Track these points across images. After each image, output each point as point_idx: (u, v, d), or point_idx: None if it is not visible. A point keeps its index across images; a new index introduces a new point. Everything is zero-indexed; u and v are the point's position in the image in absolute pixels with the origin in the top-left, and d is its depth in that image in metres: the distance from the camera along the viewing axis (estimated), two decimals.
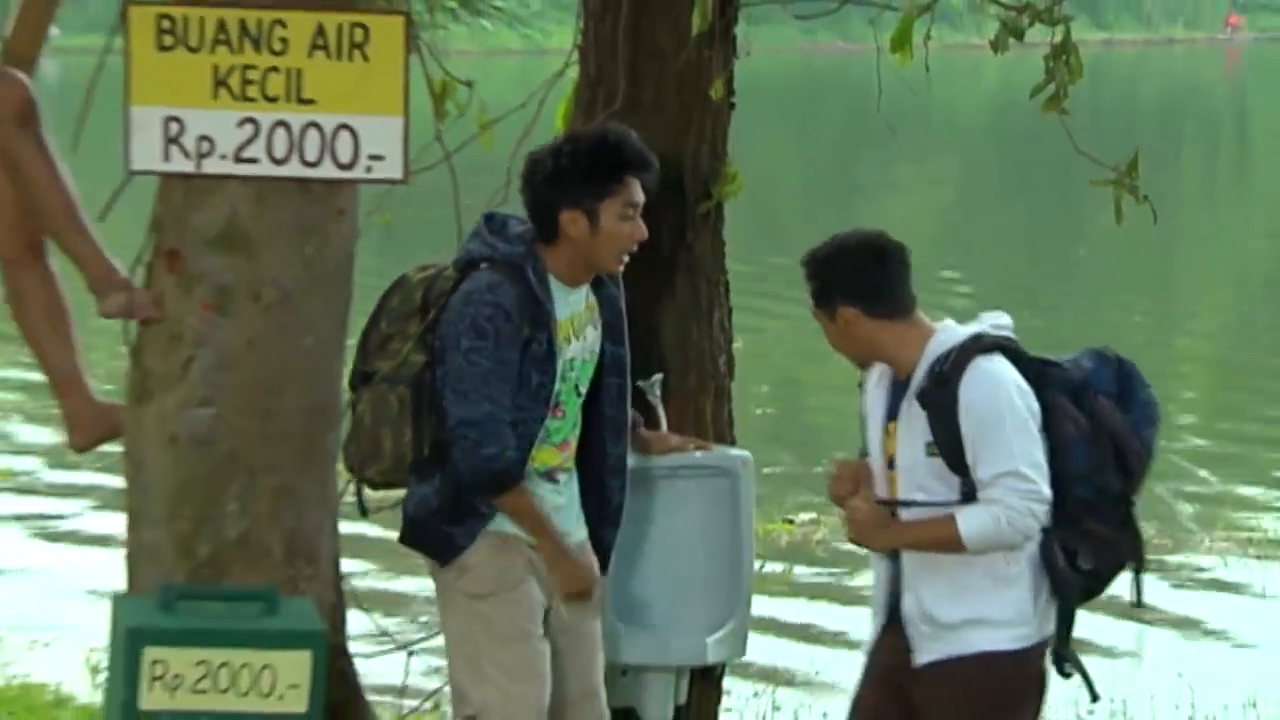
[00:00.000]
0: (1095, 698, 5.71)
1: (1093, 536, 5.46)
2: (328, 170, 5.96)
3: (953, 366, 5.41)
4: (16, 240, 6.24)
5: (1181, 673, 10.05)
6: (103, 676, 6.84)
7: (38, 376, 6.57)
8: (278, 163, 5.94)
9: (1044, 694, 5.64)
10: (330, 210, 6.09)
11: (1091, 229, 24.58)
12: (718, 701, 7.22)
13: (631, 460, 6.06)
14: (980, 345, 5.44)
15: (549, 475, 5.81)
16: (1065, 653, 5.52)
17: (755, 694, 9.68)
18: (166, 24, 5.87)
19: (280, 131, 5.93)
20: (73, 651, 9.46)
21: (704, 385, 6.94)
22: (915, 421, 5.49)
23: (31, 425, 15.27)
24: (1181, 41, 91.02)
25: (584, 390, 5.83)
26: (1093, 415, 5.46)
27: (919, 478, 5.52)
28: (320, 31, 5.91)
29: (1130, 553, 5.56)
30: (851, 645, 10.50)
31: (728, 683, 7.41)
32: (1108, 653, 10.38)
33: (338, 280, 6.09)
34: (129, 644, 5.55)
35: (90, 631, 8.37)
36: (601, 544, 5.95)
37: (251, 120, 5.92)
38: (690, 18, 6.38)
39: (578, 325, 5.79)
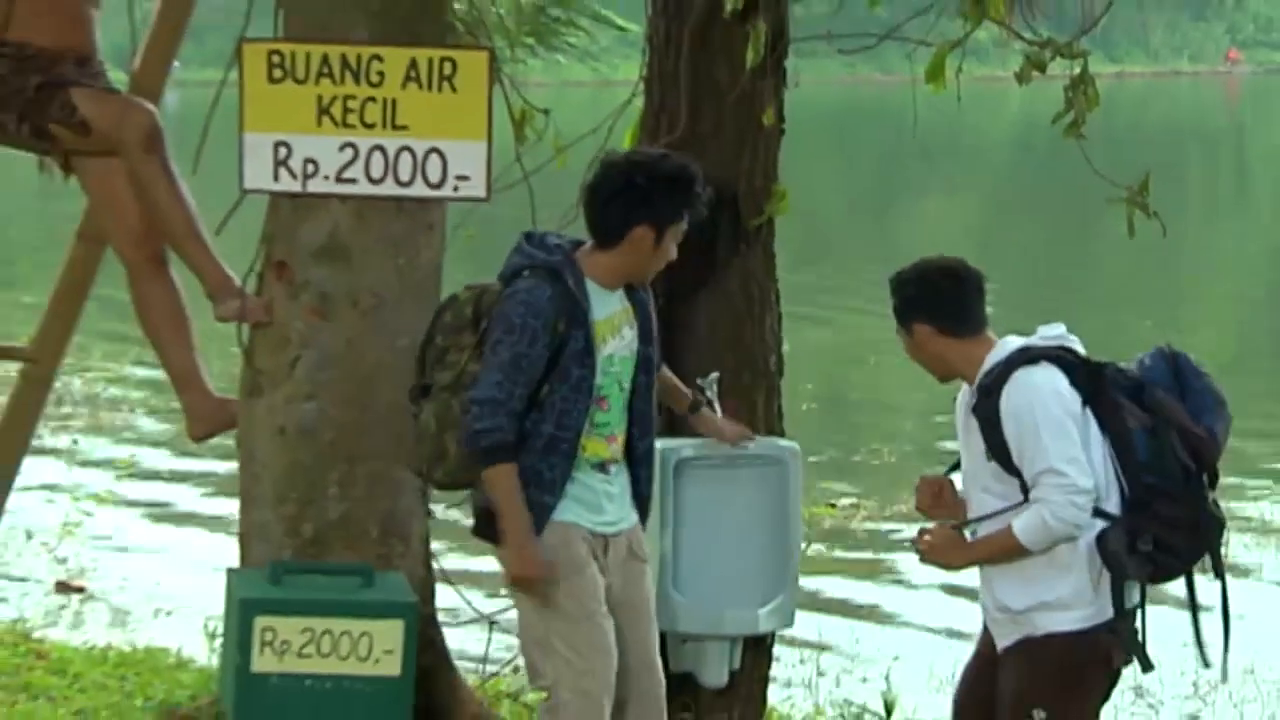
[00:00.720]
0: (1148, 668, 5.60)
1: (1162, 520, 5.37)
2: (419, 189, 5.97)
3: (996, 379, 5.40)
4: (142, 252, 6.27)
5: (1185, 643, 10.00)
6: (219, 642, 6.86)
7: (160, 374, 6.59)
8: (374, 183, 5.95)
9: (1115, 674, 5.59)
10: (421, 225, 6.10)
11: (1106, 241, 24.45)
12: (768, 667, 7.21)
13: (692, 450, 6.04)
14: (1025, 357, 5.41)
15: (601, 467, 5.77)
16: (1119, 628, 5.44)
17: (801, 661, 9.67)
18: (276, 59, 5.88)
19: (377, 155, 5.94)
20: (192, 620, 9.46)
21: (756, 383, 6.92)
22: (973, 431, 5.49)
23: (154, 418, 15.31)
24: (1186, 74, 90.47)
25: (626, 385, 5.77)
26: (1152, 409, 5.40)
27: (983, 480, 5.51)
28: (413, 65, 5.92)
29: (1206, 533, 5.49)
30: (886, 619, 10.49)
31: (776, 650, 7.40)
32: None
33: (427, 288, 6.09)
34: (242, 613, 5.57)
35: (208, 602, 8.37)
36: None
37: (351, 145, 5.93)
38: (745, 53, 6.39)
39: (616, 324, 5.74)
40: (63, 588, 11.01)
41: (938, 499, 5.72)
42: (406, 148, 5.94)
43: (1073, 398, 5.37)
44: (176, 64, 6.54)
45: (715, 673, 6.58)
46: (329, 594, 5.65)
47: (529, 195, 6.38)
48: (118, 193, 6.22)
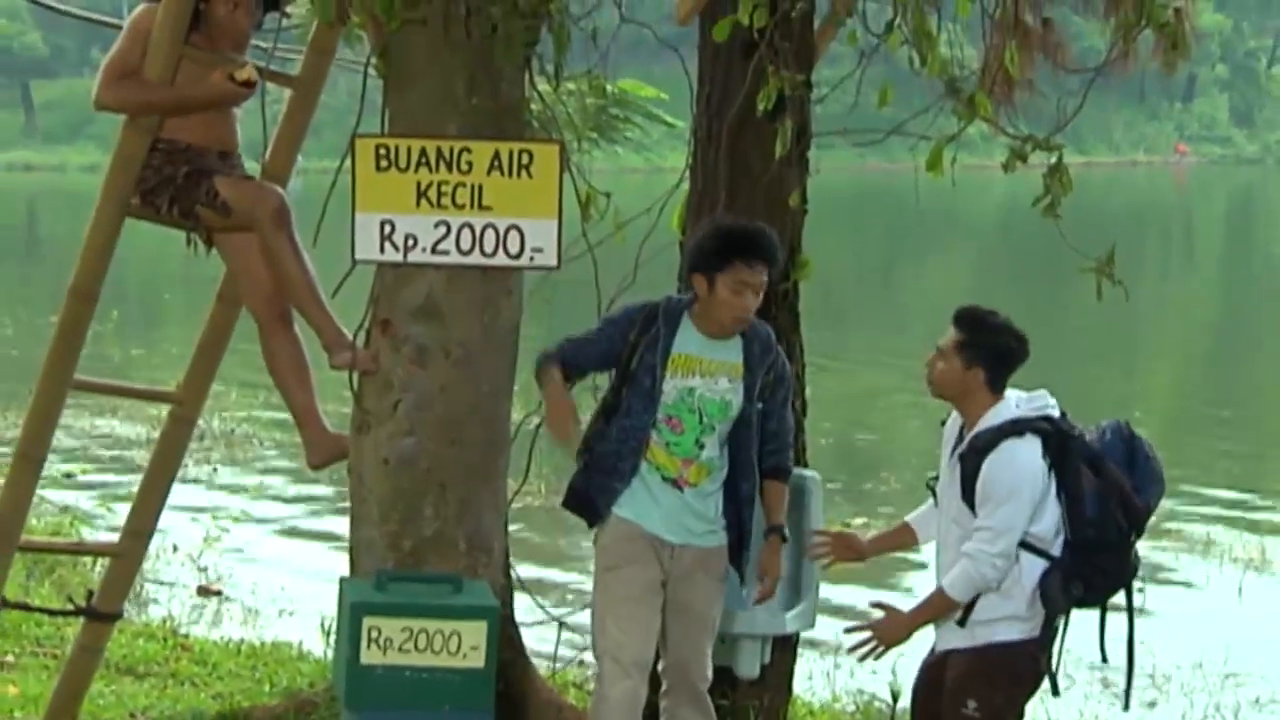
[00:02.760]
0: (1057, 692, 5.66)
1: (1095, 566, 5.44)
2: (500, 259, 5.96)
3: (987, 443, 5.42)
4: (271, 311, 6.27)
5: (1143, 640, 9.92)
6: (333, 638, 6.84)
7: (285, 413, 6.59)
8: (463, 254, 5.94)
9: (1039, 678, 5.60)
10: (502, 289, 6.09)
11: (1077, 303, 24.37)
12: (793, 662, 7.17)
13: None
14: (1015, 430, 5.42)
15: (674, 483, 5.77)
16: (1046, 643, 5.51)
17: (821, 656, 9.61)
18: (383, 151, 5.88)
19: (466, 231, 5.93)
20: (311, 619, 9.47)
21: None
22: (955, 472, 5.52)
23: (279, 450, 15.35)
24: (1142, 163, 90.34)
25: (709, 422, 5.77)
26: (1104, 477, 5.44)
27: (953, 512, 5.54)
28: (496, 156, 5.91)
29: (1127, 579, 5.56)
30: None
31: (800, 648, 7.36)
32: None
33: (507, 342, 6.08)
34: (352, 614, 5.55)
35: (324, 604, 8.38)
36: (735, 559, 5.92)
37: (445, 222, 5.92)
38: (774, 146, 6.37)
39: (708, 368, 5.77)
40: (203, 591, 11.03)
41: (849, 548, 5.93)
42: (490, 225, 5.93)
43: (1043, 469, 5.41)
44: (300, 156, 6.55)
45: (749, 666, 6.54)
46: (425, 599, 5.62)
47: (593, 264, 6.37)
48: (252, 262, 6.23)
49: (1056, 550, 5.45)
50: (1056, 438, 5.44)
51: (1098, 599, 5.55)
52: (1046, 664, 5.52)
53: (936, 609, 5.52)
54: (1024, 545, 5.43)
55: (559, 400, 5.81)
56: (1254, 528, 13.37)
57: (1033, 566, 5.44)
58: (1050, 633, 5.51)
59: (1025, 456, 5.40)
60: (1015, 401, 5.53)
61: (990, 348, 5.54)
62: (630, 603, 5.72)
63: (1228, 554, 12.43)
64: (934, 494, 5.75)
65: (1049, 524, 5.44)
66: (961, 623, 5.50)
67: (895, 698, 7.87)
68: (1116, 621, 5.65)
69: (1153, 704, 9.38)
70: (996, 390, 5.54)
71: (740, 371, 5.80)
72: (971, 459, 5.43)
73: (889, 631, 5.61)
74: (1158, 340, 26.16)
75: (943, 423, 5.72)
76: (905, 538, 5.92)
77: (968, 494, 5.44)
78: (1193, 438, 17.93)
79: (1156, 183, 80.00)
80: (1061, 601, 5.44)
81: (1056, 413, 5.53)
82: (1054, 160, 6.34)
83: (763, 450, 5.87)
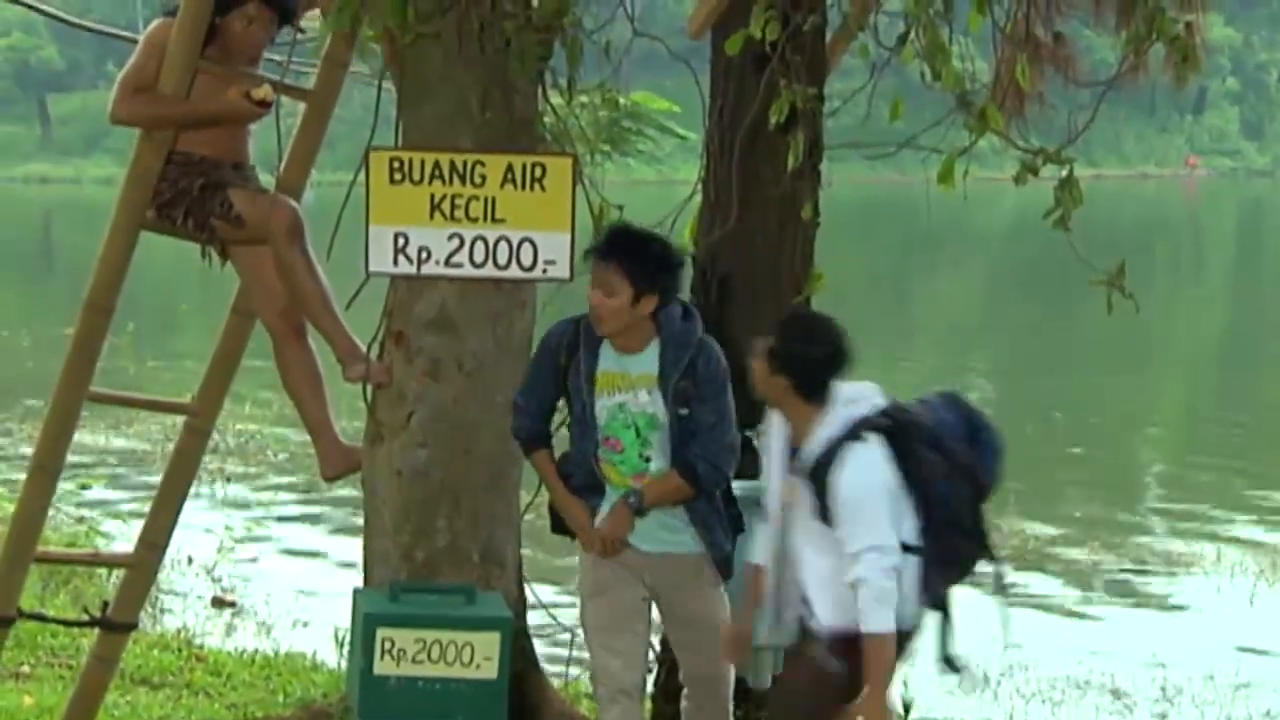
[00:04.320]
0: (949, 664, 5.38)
1: (953, 548, 5.22)
2: (514, 272, 5.96)
3: (828, 454, 5.16)
4: (286, 324, 6.27)
5: (1155, 653, 9.91)
6: (347, 649, 6.84)
7: (298, 426, 6.59)
8: (477, 266, 5.94)
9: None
10: (515, 302, 6.09)
11: (1087, 313, 24.35)
12: None
13: (741, 490, 5.86)
14: (854, 434, 5.15)
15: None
16: (905, 633, 5.23)
17: None
18: (397, 164, 5.89)
19: (479, 243, 5.94)
20: (324, 629, 9.48)
21: None
22: (803, 488, 5.25)
23: (293, 462, 15.36)
24: (1152, 176, 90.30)
25: (645, 436, 5.58)
26: (949, 456, 5.22)
27: (804, 524, 5.30)
28: (510, 169, 5.91)
29: (981, 551, 5.32)
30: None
31: None
32: (1094, 633, 10.25)
33: (520, 354, 6.08)
34: (366, 625, 5.55)
35: (337, 615, 8.38)
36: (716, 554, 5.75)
37: (458, 235, 5.92)
38: (786, 159, 6.36)
39: (626, 382, 5.57)
40: (217, 602, 11.03)
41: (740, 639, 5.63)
42: (504, 238, 5.93)
43: (891, 467, 5.16)
44: (314, 168, 6.55)
45: (760, 675, 6.52)
46: (438, 610, 5.62)
47: None
48: (266, 275, 6.23)
49: (914, 541, 5.20)
50: (896, 430, 5.17)
51: (963, 579, 5.32)
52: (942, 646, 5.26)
53: (881, 659, 5.12)
54: (904, 547, 5.18)
55: (567, 505, 5.64)
56: (1266, 539, 13.34)
57: (905, 562, 5.18)
58: (910, 621, 5.22)
59: (871, 462, 5.12)
60: (843, 401, 5.23)
61: (795, 357, 5.23)
62: (613, 631, 5.66)
63: (1239, 565, 12.40)
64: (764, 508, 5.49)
65: (909, 518, 5.19)
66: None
67: (907, 709, 7.85)
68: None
69: (1164, 716, 9.35)
70: (812, 400, 5.23)
71: (654, 380, 5.57)
72: (817, 476, 5.16)
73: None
74: (1168, 353, 26.12)
75: (752, 428, 5.49)
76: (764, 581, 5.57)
77: (823, 513, 5.18)
78: (1204, 449, 17.91)
79: (1167, 195, 79.94)
80: (923, 597, 5.20)
81: (884, 400, 5.27)
82: (1065, 173, 6.33)
83: (688, 453, 5.59)
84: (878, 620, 5.10)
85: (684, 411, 5.56)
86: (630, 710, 5.66)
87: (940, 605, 5.29)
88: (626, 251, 5.53)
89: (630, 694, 5.65)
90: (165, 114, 6.11)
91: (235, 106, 6.08)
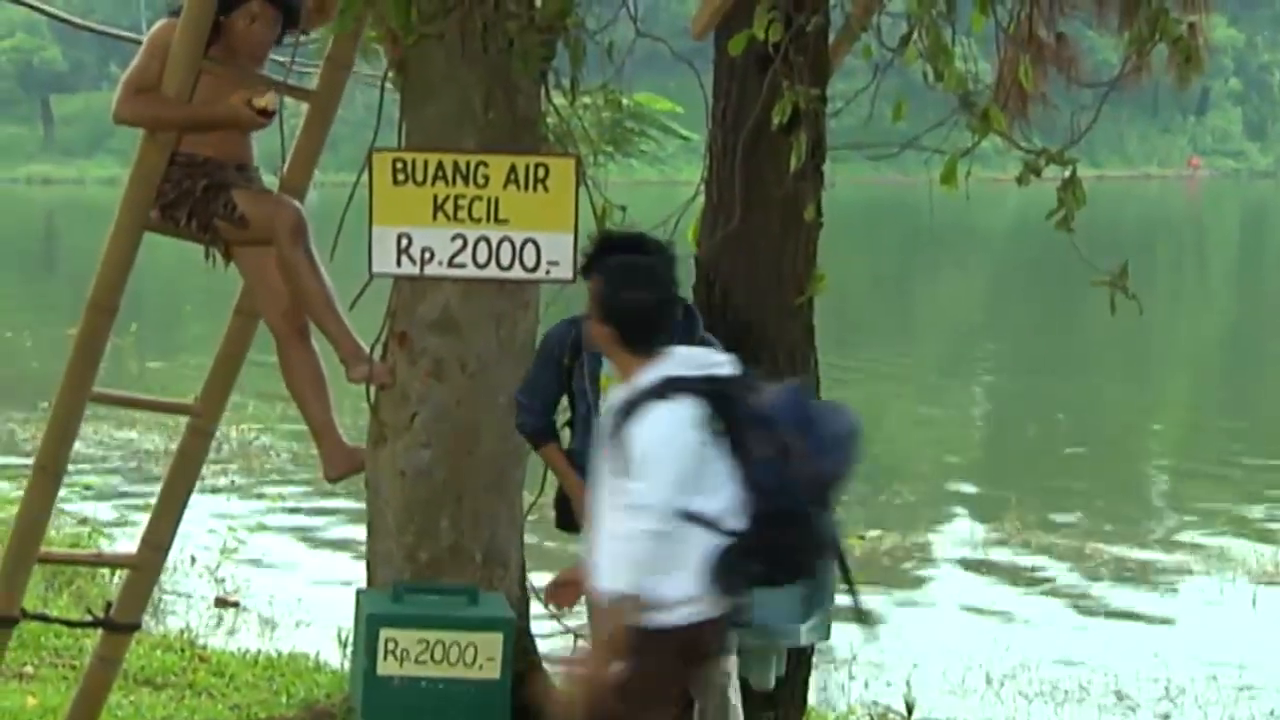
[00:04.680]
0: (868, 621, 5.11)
1: (775, 542, 4.79)
2: (517, 273, 5.96)
3: (631, 406, 4.74)
4: (289, 324, 6.27)
5: (1157, 653, 9.91)
6: (350, 649, 6.84)
7: (302, 426, 6.60)
8: (480, 267, 5.95)
9: (711, 660, 5.15)
10: (518, 303, 6.10)
11: (1089, 314, 24.39)
12: (808, 673, 7.14)
13: None
14: (661, 391, 4.72)
15: None
16: (722, 625, 4.89)
17: (835, 668, 9.60)
18: (400, 165, 5.89)
19: (482, 244, 5.94)
20: (327, 630, 9.48)
21: None
22: (606, 442, 4.87)
23: (296, 463, 15.36)
24: (1155, 177, 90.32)
25: None
26: (775, 442, 4.78)
27: (602, 481, 4.90)
28: (513, 170, 5.92)
29: (819, 559, 4.94)
30: (907, 632, 10.40)
31: (815, 659, 7.34)
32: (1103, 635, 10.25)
33: (523, 355, 6.08)
34: (369, 626, 5.55)
35: (340, 615, 8.37)
36: None
37: (461, 236, 5.93)
38: (789, 159, 6.36)
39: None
40: (221, 603, 11.03)
41: (571, 593, 5.27)
42: (507, 238, 5.94)
43: (698, 434, 4.70)
44: (317, 169, 6.56)
45: (765, 678, 6.52)
46: (441, 610, 5.62)
47: None
48: (269, 275, 6.23)
49: (736, 524, 4.74)
50: (714, 396, 4.74)
51: (788, 577, 4.93)
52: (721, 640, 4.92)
53: (605, 619, 4.76)
54: (694, 519, 4.72)
55: (582, 495, 5.52)
56: (1268, 540, 13.33)
57: (705, 543, 4.74)
58: (736, 607, 4.85)
59: (669, 421, 4.67)
60: (680, 359, 4.84)
61: (617, 306, 4.87)
62: None
63: (1242, 566, 12.39)
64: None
65: (723, 496, 4.74)
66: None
67: (910, 709, 7.86)
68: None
69: (1166, 717, 9.35)
70: (639, 351, 4.83)
71: None
72: (614, 423, 4.75)
73: (590, 672, 4.83)
74: (1171, 353, 26.12)
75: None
76: None
77: (623, 468, 4.73)
78: (1206, 450, 17.91)
79: (1169, 196, 79.94)
80: (737, 580, 4.77)
81: (727, 371, 4.84)
82: (1068, 174, 6.33)
83: None
84: (611, 577, 4.70)
85: None
86: None
87: (736, 598, 4.84)
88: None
89: None
90: (167, 116, 6.11)
91: (237, 114, 6.09)
